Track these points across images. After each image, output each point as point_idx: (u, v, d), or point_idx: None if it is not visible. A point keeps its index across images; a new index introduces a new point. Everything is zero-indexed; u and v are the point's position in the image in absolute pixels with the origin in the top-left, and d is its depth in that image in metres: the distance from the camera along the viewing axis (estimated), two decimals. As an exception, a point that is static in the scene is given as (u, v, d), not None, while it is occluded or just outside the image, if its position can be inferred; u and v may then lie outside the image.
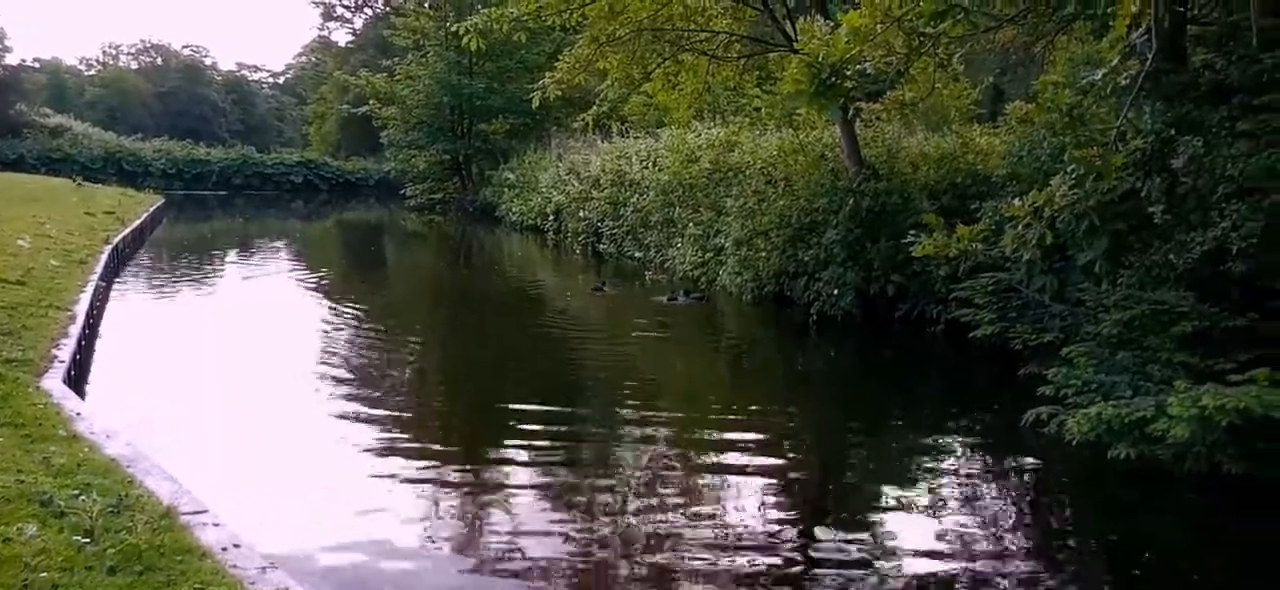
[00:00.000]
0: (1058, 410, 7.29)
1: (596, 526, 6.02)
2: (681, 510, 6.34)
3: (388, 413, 8.80)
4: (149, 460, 5.59)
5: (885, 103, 15.78)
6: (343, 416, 8.38)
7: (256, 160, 54.18)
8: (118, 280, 15.83)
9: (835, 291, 13.15)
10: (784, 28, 15.69)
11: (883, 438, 8.67)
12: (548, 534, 5.80)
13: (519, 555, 5.51)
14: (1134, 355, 7.48)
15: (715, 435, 8.30)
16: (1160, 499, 6.77)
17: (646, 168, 21.56)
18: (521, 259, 25.31)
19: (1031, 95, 14.45)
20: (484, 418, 8.78)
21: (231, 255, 24.14)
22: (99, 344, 10.60)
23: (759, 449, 7.91)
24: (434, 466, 7.15)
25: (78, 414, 6.41)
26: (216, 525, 4.67)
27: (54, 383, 7.25)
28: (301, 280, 20.87)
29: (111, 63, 77.77)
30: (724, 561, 5.49)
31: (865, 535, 6.03)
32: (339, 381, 9.87)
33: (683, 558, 5.52)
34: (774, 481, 7.13)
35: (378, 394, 9.56)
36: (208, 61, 79.77)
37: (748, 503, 6.54)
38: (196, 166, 51.86)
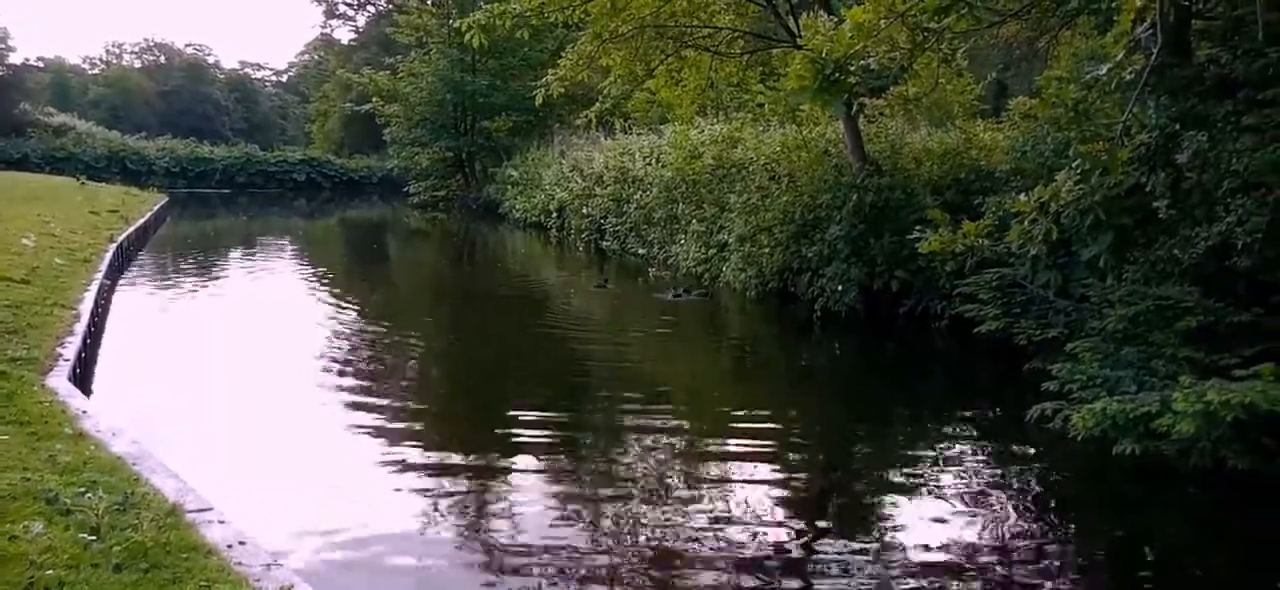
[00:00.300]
0: (1062, 406, 7.28)
1: (600, 523, 6.02)
2: (685, 506, 6.35)
3: (392, 409, 8.80)
4: (154, 458, 5.60)
5: (889, 98, 15.78)
6: (347, 413, 8.39)
7: (260, 158, 54.28)
8: (122, 278, 15.86)
9: (839, 287, 13.13)
10: (787, 23, 15.66)
11: (887, 433, 8.66)
12: (552, 530, 5.80)
13: (523, 550, 5.51)
14: (1139, 350, 7.47)
15: (719, 432, 8.29)
16: (1165, 495, 6.76)
17: (650, 164, 21.55)
18: (525, 256, 25.32)
19: (1035, 90, 14.46)
20: (488, 414, 8.79)
21: (235, 253, 24.17)
22: (104, 342, 10.61)
23: (763, 445, 7.91)
24: (438, 463, 7.16)
25: (83, 412, 6.42)
26: (222, 523, 4.68)
27: (59, 381, 7.26)
28: (305, 278, 20.90)
29: (115, 62, 77.96)
30: (728, 558, 5.49)
31: (869, 531, 6.03)
32: (343, 378, 9.88)
33: (687, 553, 5.53)
34: (778, 478, 7.13)
35: (382, 391, 9.57)
36: (211, 60, 80.00)
37: (752, 499, 6.54)
38: (200, 165, 51.98)
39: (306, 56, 75.42)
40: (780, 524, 6.14)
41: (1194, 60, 8.34)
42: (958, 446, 8.28)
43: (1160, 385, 6.80)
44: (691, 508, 6.34)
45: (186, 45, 79.24)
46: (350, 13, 65.29)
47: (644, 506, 6.31)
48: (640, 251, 21.11)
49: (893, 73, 11.46)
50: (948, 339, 11.81)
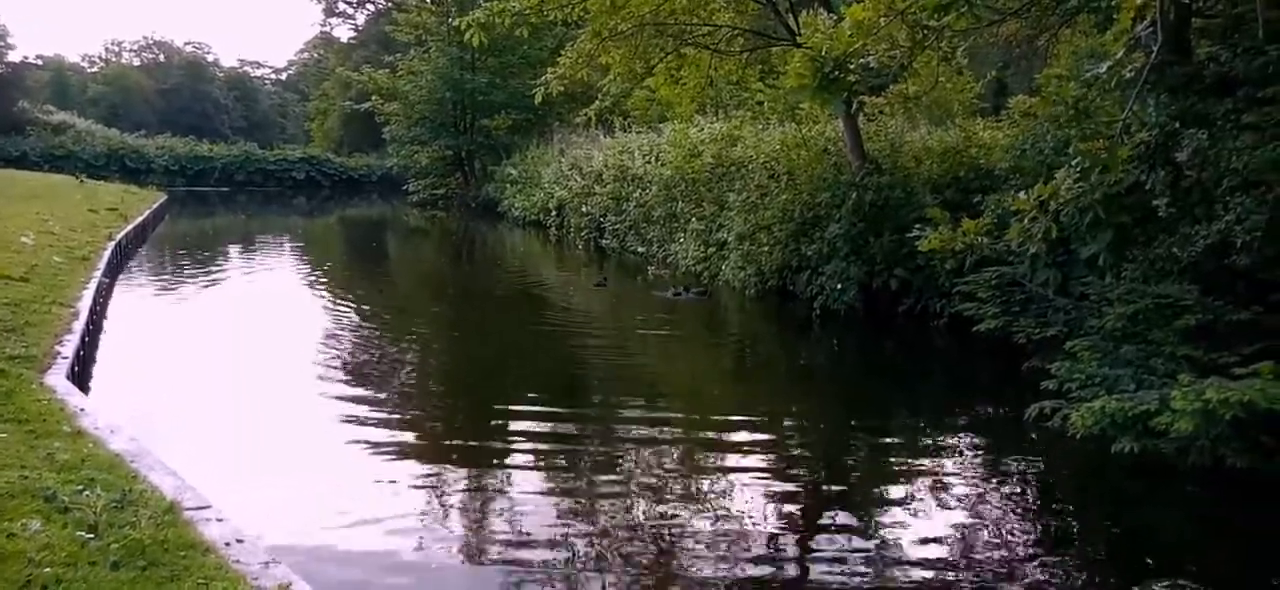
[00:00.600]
0: (1061, 404, 7.28)
1: (599, 521, 6.02)
2: (685, 506, 6.34)
3: (390, 407, 8.80)
4: (152, 456, 5.59)
5: (888, 97, 15.76)
6: (346, 411, 8.38)
7: (259, 157, 54.29)
8: (121, 276, 15.86)
9: (838, 286, 13.13)
10: (787, 21, 15.65)
11: (886, 432, 8.66)
12: (551, 528, 5.80)
13: (522, 548, 5.51)
14: (1138, 349, 7.46)
15: (718, 431, 8.29)
16: (1164, 493, 6.76)
17: (649, 162, 21.55)
18: (524, 254, 25.32)
19: (1035, 89, 14.47)
20: (486, 412, 8.78)
21: (234, 251, 24.15)
22: (102, 340, 10.61)
23: (762, 444, 7.91)
24: (437, 461, 7.15)
25: (81, 410, 6.41)
26: (220, 520, 4.67)
27: (57, 379, 7.25)
28: (304, 276, 20.90)
29: (114, 60, 77.94)
30: (727, 557, 5.49)
31: (868, 530, 6.02)
32: (342, 377, 9.87)
33: (686, 553, 5.52)
34: (777, 477, 7.12)
35: (380, 389, 9.56)
36: (210, 58, 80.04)
37: (750, 498, 6.54)
38: (199, 163, 52.00)
39: (306, 54, 75.47)
40: (779, 522, 6.14)
41: (1194, 58, 8.34)
42: (957, 445, 8.28)
43: (1159, 383, 6.80)
44: (691, 506, 6.33)
45: (186, 43, 79.36)
46: (350, 11, 65.37)
47: (643, 504, 6.31)
48: (639, 250, 21.10)
49: (892, 71, 11.43)
50: (947, 337, 11.81)
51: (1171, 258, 7.61)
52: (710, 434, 8.18)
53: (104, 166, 45.64)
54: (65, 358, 7.90)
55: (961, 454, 7.99)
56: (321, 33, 69.03)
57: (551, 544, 5.57)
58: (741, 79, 19.00)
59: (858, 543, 5.75)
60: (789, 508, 6.48)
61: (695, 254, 17.45)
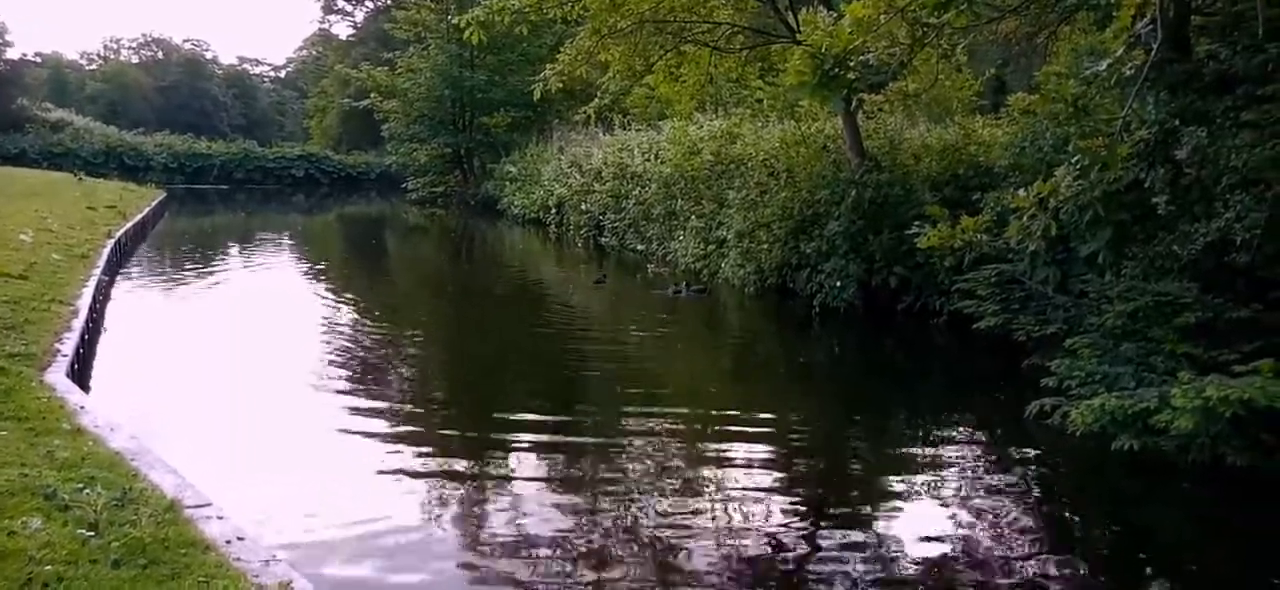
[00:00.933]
0: (1061, 402, 7.29)
1: (599, 519, 6.02)
2: (685, 504, 6.35)
3: (390, 405, 8.80)
4: (152, 453, 5.59)
5: (888, 94, 15.77)
6: (346, 409, 8.38)
7: (258, 154, 54.30)
8: (120, 274, 15.85)
9: (837, 283, 13.14)
10: (786, 19, 15.65)
11: (885, 430, 8.66)
12: (551, 526, 5.80)
13: (522, 547, 5.51)
14: (1137, 346, 7.47)
15: (718, 429, 8.29)
16: (1163, 490, 6.76)
17: (648, 160, 21.55)
18: (523, 252, 25.31)
19: (1035, 86, 14.47)
20: (486, 410, 8.78)
21: (233, 249, 24.14)
22: (102, 338, 10.60)
23: (762, 442, 7.90)
24: (437, 459, 7.16)
25: (81, 408, 6.41)
26: (221, 518, 4.67)
27: (57, 377, 7.25)
28: (303, 274, 20.89)
29: (113, 57, 77.83)
30: (728, 555, 5.50)
31: (868, 527, 6.03)
32: (341, 374, 9.87)
33: (686, 551, 5.52)
34: (777, 474, 7.13)
35: (380, 387, 9.56)
36: (209, 55, 79.98)
37: (751, 496, 6.54)
38: (198, 161, 51.99)
39: (305, 52, 75.38)
40: (779, 520, 6.13)
41: (1193, 56, 8.35)
42: (956, 443, 8.29)
43: (1159, 381, 6.81)
44: (691, 504, 6.34)
45: (184, 41, 79.25)
46: (348, 8, 65.29)
47: (643, 502, 6.31)
48: (639, 248, 21.10)
49: (892, 68, 11.43)
50: (946, 335, 11.81)
51: (1171, 255, 7.61)
52: (710, 432, 8.18)
53: (103, 164, 45.62)
54: (65, 356, 7.90)
55: (961, 451, 8.00)
56: (320, 30, 69.03)
57: (551, 541, 5.58)
58: (741, 76, 19.01)
59: (858, 540, 5.76)
60: (789, 505, 6.48)
61: (695, 252, 17.45)
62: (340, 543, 5.44)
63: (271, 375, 9.75)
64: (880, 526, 6.06)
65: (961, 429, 8.69)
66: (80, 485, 4.78)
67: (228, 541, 4.40)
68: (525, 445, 7.64)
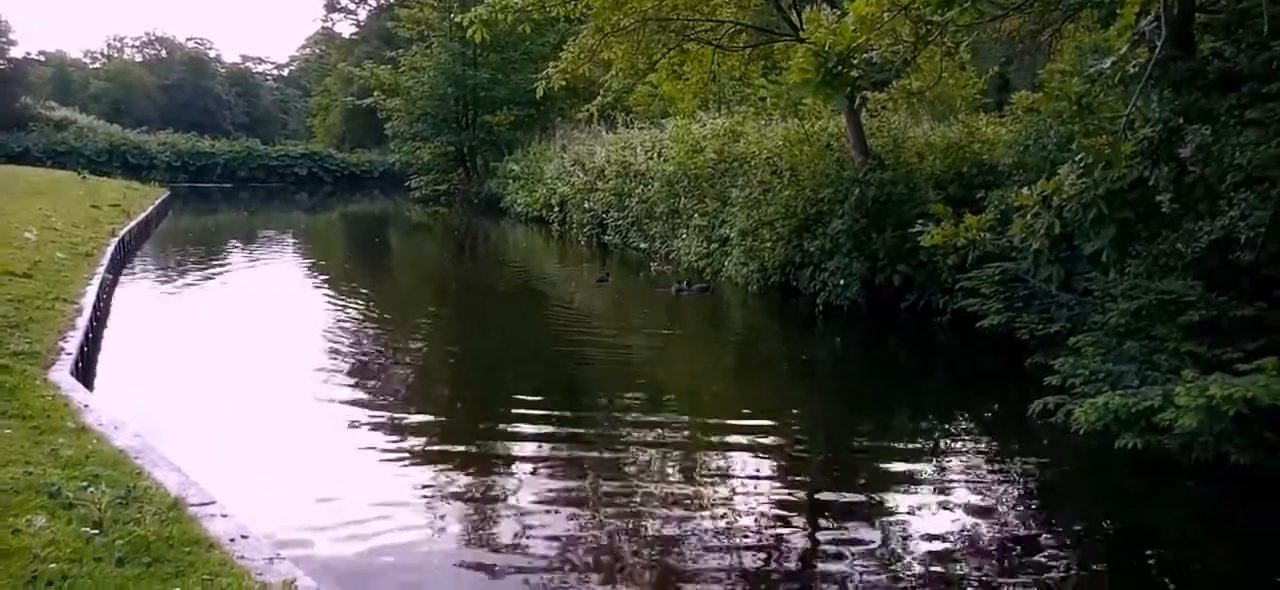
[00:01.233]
0: (1065, 400, 7.27)
1: (602, 518, 6.02)
2: (687, 502, 6.34)
3: (394, 403, 8.81)
4: (156, 452, 5.60)
5: (891, 92, 15.75)
6: (349, 407, 8.39)
7: (261, 153, 54.38)
8: (124, 273, 15.88)
9: (841, 282, 13.13)
10: (790, 17, 15.63)
11: (889, 429, 8.65)
12: (553, 525, 5.80)
13: (525, 545, 5.51)
14: (1141, 345, 7.46)
15: (720, 427, 8.29)
16: (1167, 489, 6.75)
17: (651, 158, 21.53)
18: (526, 250, 25.32)
19: (1038, 84, 14.43)
20: (489, 408, 8.78)
21: (237, 248, 24.17)
22: (106, 336, 10.63)
23: (765, 440, 7.90)
24: (440, 457, 7.16)
25: (85, 406, 6.42)
26: (224, 516, 4.68)
27: (61, 375, 7.26)
28: (307, 272, 20.92)
29: (116, 56, 77.90)
30: (730, 553, 5.50)
31: (871, 525, 6.02)
32: (345, 373, 9.88)
33: (688, 549, 5.53)
34: (780, 473, 7.12)
35: (384, 385, 9.57)
36: (212, 54, 79.98)
37: (754, 495, 6.54)
38: (201, 159, 52.07)
39: (308, 50, 75.39)
40: (782, 518, 6.14)
41: (1198, 54, 8.32)
42: (960, 441, 8.29)
43: (1163, 379, 6.79)
44: (693, 503, 6.33)
45: (188, 39, 79.26)
46: (351, 6, 65.27)
47: (646, 501, 6.31)
48: (642, 246, 21.10)
49: (895, 66, 11.43)
50: (950, 333, 11.80)
51: (1175, 253, 7.60)
52: (713, 430, 8.18)
53: (106, 162, 45.68)
54: (69, 354, 7.92)
55: (964, 450, 7.99)
56: (323, 28, 69.07)
57: (554, 540, 5.58)
58: (744, 75, 18.98)
59: (860, 538, 5.75)
60: (792, 504, 6.48)
61: (698, 250, 17.44)
62: (344, 541, 5.45)
63: (275, 373, 9.77)
64: (883, 524, 6.05)
65: (965, 427, 8.68)
66: (84, 483, 4.80)
67: (231, 539, 4.40)
68: (528, 444, 7.65)
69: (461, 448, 7.42)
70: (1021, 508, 6.54)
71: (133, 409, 7.18)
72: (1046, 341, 9.13)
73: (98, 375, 8.92)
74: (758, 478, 6.93)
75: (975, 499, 6.58)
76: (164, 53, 77.51)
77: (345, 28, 67.45)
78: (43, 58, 67.84)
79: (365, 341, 11.92)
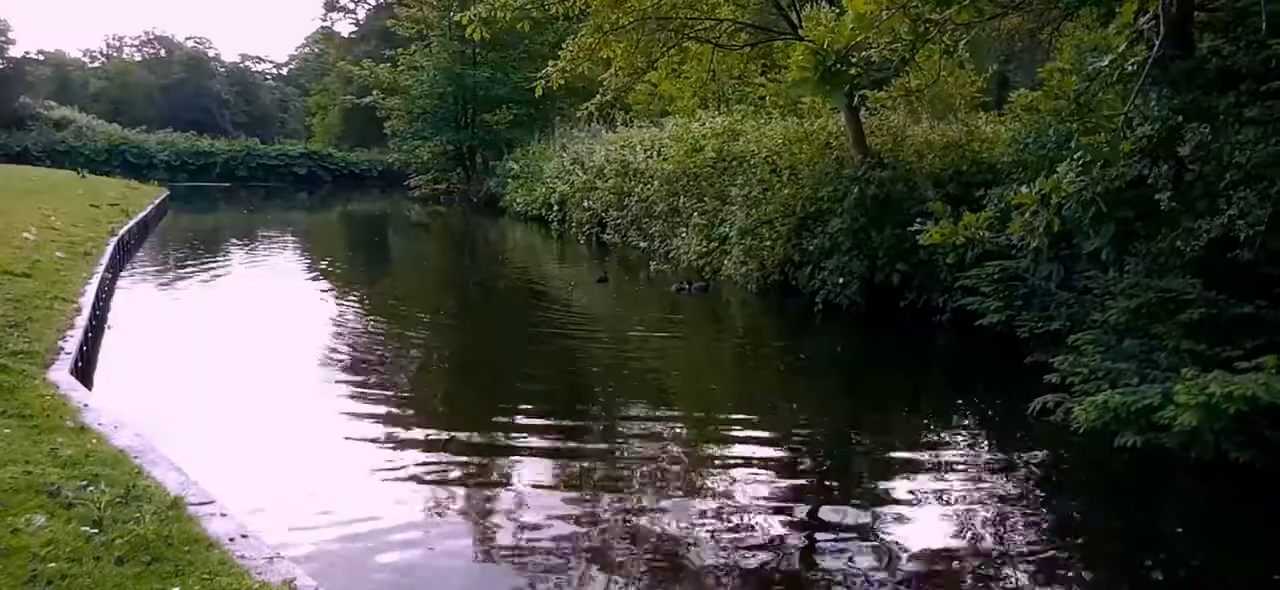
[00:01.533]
0: (1064, 398, 7.28)
1: (601, 518, 6.02)
2: (687, 501, 6.35)
3: (393, 403, 8.81)
4: (156, 451, 5.60)
5: (890, 90, 15.75)
6: (349, 407, 8.40)
7: (260, 152, 54.41)
8: (123, 272, 15.87)
9: (840, 280, 13.12)
10: (789, 15, 15.63)
11: (888, 427, 8.66)
12: (552, 525, 5.81)
13: (525, 544, 5.52)
14: (1141, 343, 7.46)
15: (720, 426, 8.29)
16: (1166, 487, 6.76)
17: (651, 157, 21.52)
18: (526, 249, 25.32)
19: (1037, 82, 14.43)
20: (489, 408, 8.78)
21: (236, 247, 24.17)
22: (105, 335, 10.62)
23: (764, 439, 7.91)
24: (440, 457, 7.16)
25: (85, 405, 6.42)
26: (224, 515, 4.68)
27: (61, 374, 7.26)
28: (306, 271, 20.90)
29: (115, 55, 77.96)
30: (730, 552, 5.50)
31: (872, 524, 6.02)
32: (344, 371, 9.89)
33: (689, 548, 5.53)
34: (779, 472, 7.12)
35: (383, 384, 9.57)
36: (211, 53, 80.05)
37: (753, 493, 6.54)
38: (201, 158, 52.09)
39: (307, 49, 75.44)
40: (782, 516, 6.14)
41: (1196, 52, 8.32)
42: (959, 439, 8.29)
43: (1162, 378, 6.79)
44: (692, 503, 6.34)
45: (187, 38, 79.34)
46: (350, 5, 65.28)
47: (646, 500, 6.31)
48: (641, 245, 21.10)
49: (894, 64, 11.43)
50: (949, 332, 11.80)
51: (1174, 252, 7.59)
52: (712, 429, 8.19)
53: (106, 162, 45.72)
54: (68, 353, 7.91)
55: (964, 448, 8.00)
56: (322, 27, 69.05)
57: (554, 539, 5.58)
58: (743, 73, 18.97)
59: (860, 536, 5.76)
60: (792, 502, 6.48)
61: (697, 249, 17.44)
62: (344, 540, 5.45)
63: (274, 373, 9.76)
64: (883, 523, 6.06)
65: (964, 426, 8.69)
66: (84, 483, 4.80)
67: (231, 539, 4.40)
68: (528, 443, 7.65)
69: (461, 447, 7.42)
70: (1021, 505, 6.54)
71: (132, 408, 7.17)
72: (1046, 339, 9.13)
73: (97, 374, 8.91)
74: (757, 476, 6.92)
75: (975, 497, 6.59)
76: (163, 52, 77.54)
77: (344, 27, 67.49)
78: (42, 57, 67.83)
79: (364, 340, 11.92)
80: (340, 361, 10.44)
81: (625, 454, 7.39)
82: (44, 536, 4.14)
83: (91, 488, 4.72)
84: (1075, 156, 7.48)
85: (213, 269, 18.47)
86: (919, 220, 9.19)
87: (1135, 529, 6.16)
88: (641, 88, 21.67)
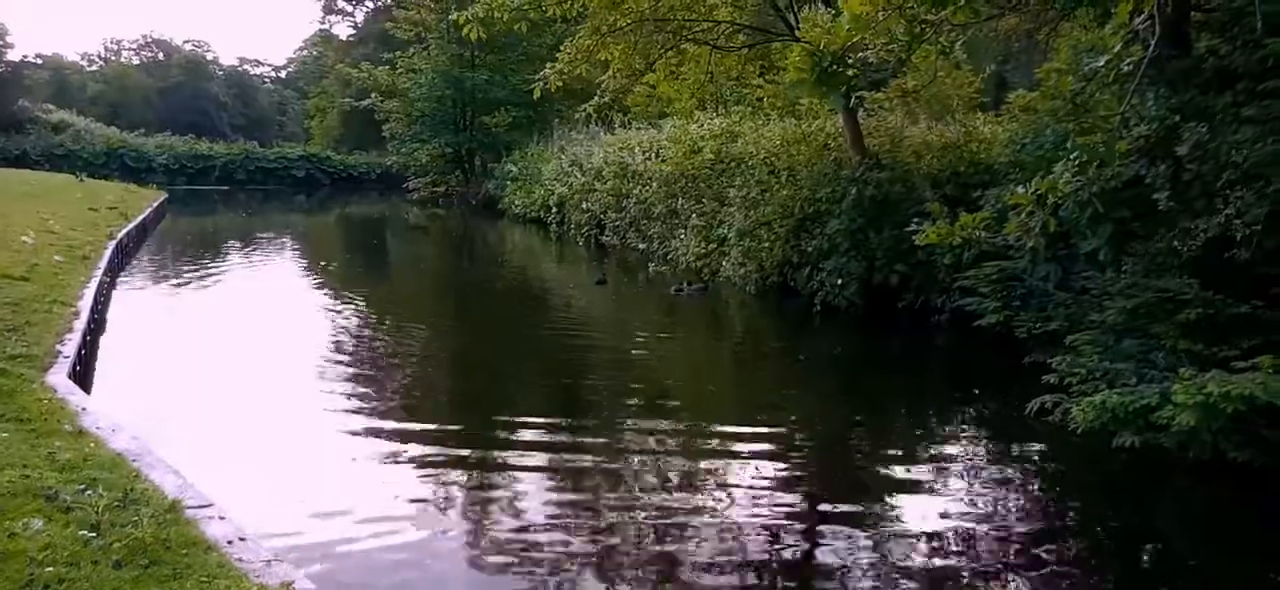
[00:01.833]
0: (1062, 398, 7.28)
1: (601, 519, 6.02)
2: (686, 502, 6.35)
3: (392, 405, 8.81)
4: (154, 454, 5.60)
5: (888, 91, 15.76)
6: (347, 409, 8.40)
7: (259, 155, 54.36)
8: (122, 275, 15.86)
9: (839, 282, 13.13)
10: (786, 17, 15.64)
11: (887, 428, 8.66)
12: (553, 526, 5.81)
13: (525, 546, 5.52)
14: (1138, 343, 7.46)
15: (719, 427, 8.29)
16: (1164, 487, 6.76)
17: (649, 159, 21.53)
18: (524, 251, 25.31)
19: (1035, 83, 14.44)
20: (488, 409, 8.78)
21: (235, 250, 24.15)
22: (103, 339, 10.61)
23: (763, 440, 7.91)
24: (439, 459, 7.16)
25: (83, 409, 6.41)
26: (222, 519, 4.68)
27: (59, 378, 7.26)
28: (304, 274, 20.91)
29: (114, 58, 77.96)
30: (729, 552, 5.50)
31: (870, 524, 6.03)
32: (343, 375, 9.88)
33: (688, 548, 5.53)
34: (778, 473, 7.12)
35: (381, 386, 9.57)
36: (209, 56, 79.99)
37: (752, 494, 6.54)
38: (199, 162, 52.04)
39: (305, 52, 75.46)
40: (781, 516, 6.14)
41: (1193, 51, 8.32)
42: (958, 440, 8.29)
43: (1160, 377, 6.80)
44: (692, 503, 6.34)
45: (185, 41, 79.31)
46: (348, 8, 65.29)
47: (644, 501, 6.31)
48: (640, 246, 21.10)
49: (891, 65, 11.44)
50: (948, 332, 11.80)
51: (1171, 251, 7.60)
52: (711, 431, 8.18)
53: (104, 165, 45.68)
54: (66, 357, 7.91)
55: (963, 448, 8.00)
56: (320, 30, 69.04)
57: (554, 542, 5.58)
58: (742, 75, 18.99)
59: (859, 536, 5.76)
60: (791, 502, 6.48)
61: (696, 250, 17.45)
62: (342, 543, 5.45)
63: (273, 376, 9.76)
64: (882, 523, 6.06)
65: (963, 426, 8.69)
66: (82, 486, 4.79)
67: (229, 542, 4.40)
68: (527, 445, 7.64)
69: (461, 448, 7.42)
70: (1019, 505, 6.55)
71: (130, 412, 7.17)
72: (1044, 340, 9.14)
73: (95, 378, 8.91)
74: (756, 477, 6.93)
75: (973, 497, 6.59)
76: (161, 55, 77.52)
77: (343, 29, 67.48)
78: (40, 60, 67.77)
79: (363, 343, 11.91)
80: (338, 364, 10.43)
81: (624, 455, 7.38)
82: (42, 540, 4.13)
83: (89, 491, 4.71)
84: (1072, 157, 7.48)
85: (211, 272, 18.46)
86: (917, 221, 9.20)
87: (1133, 528, 6.16)
88: (640, 89, 21.67)
